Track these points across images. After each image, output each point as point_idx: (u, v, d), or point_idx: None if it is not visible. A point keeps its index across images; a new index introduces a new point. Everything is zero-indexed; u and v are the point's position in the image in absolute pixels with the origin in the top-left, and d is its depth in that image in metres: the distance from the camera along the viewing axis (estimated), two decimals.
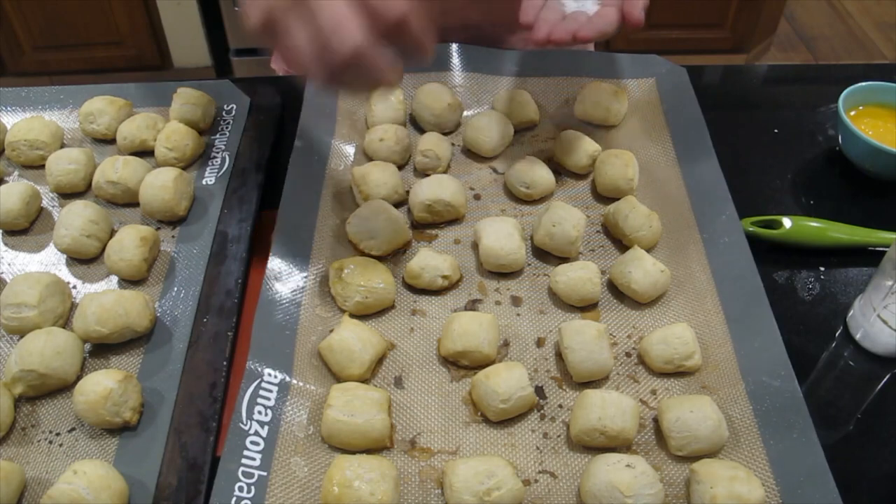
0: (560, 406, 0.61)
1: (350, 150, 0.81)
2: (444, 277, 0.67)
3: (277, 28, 0.53)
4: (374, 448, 0.57)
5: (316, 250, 0.70)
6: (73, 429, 0.59)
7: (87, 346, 0.64)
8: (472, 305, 0.68)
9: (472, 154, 0.81)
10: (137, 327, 0.62)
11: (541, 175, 0.75)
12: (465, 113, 0.85)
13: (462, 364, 0.63)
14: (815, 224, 0.73)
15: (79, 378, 0.60)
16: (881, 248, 0.72)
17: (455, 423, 0.60)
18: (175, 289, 0.68)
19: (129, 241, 0.67)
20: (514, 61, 0.88)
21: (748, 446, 0.57)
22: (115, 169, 0.73)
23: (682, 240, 0.72)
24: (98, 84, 0.86)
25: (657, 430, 0.59)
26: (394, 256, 0.71)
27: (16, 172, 0.79)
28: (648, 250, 0.70)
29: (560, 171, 0.80)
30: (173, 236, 0.73)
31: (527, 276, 0.70)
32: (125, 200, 0.75)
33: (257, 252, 0.71)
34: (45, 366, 0.58)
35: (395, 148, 0.78)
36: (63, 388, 0.61)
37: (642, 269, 0.66)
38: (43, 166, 0.77)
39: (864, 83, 0.81)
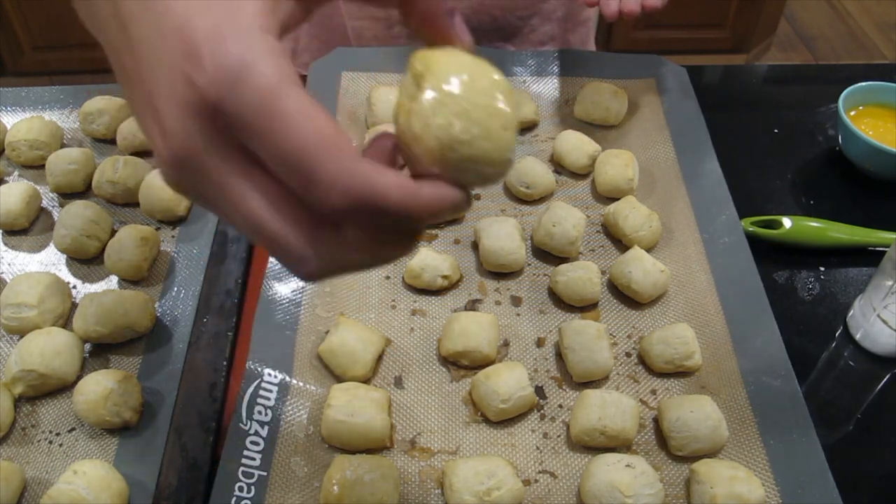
0: (560, 406, 0.61)
1: None
2: (444, 277, 0.67)
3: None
4: (374, 448, 0.57)
5: None
6: (73, 429, 0.59)
7: (87, 346, 0.64)
8: (472, 305, 0.68)
9: None
10: (137, 327, 0.62)
11: (541, 175, 0.75)
12: None
13: (462, 364, 0.63)
14: (815, 224, 0.73)
15: (79, 378, 0.60)
16: (881, 248, 0.72)
17: (455, 423, 0.60)
18: (175, 289, 0.68)
19: (129, 241, 0.67)
20: (515, 61, 0.88)
21: (748, 446, 0.57)
22: (115, 169, 0.73)
23: (682, 240, 0.72)
24: (98, 84, 0.86)
25: (657, 430, 0.59)
26: None
27: (16, 172, 0.79)
28: (648, 250, 0.70)
29: (560, 171, 0.80)
30: (173, 236, 0.73)
31: (527, 276, 0.70)
32: (125, 200, 0.75)
33: (257, 252, 0.71)
34: (45, 366, 0.58)
35: None
36: (63, 388, 0.61)
37: (642, 269, 0.66)
38: (43, 166, 0.77)
39: (864, 83, 0.81)
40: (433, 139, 0.29)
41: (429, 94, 0.30)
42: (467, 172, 0.30)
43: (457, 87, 0.30)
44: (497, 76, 0.31)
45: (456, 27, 0.34)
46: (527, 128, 0.84)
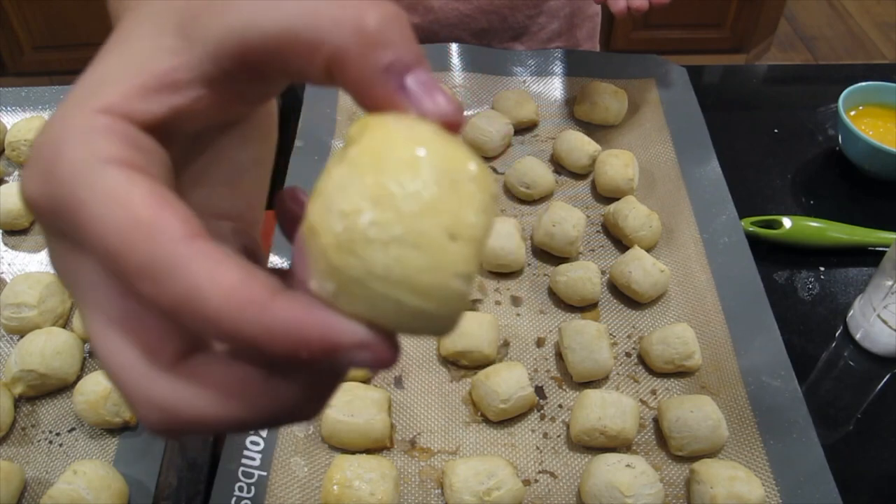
0: (560, 406, 0.61)
1: None
2: None
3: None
4: (374, 448, 0.57)
5: None
6: (73, 429, 0.59)
7: (87, 346, 0.64)
8: (471, 305, 0.68)
9: None
10: None
11: (541, 175, 0.75)
12: (465, 113, 0.85)
13: (462, 364, 0.63)
14: (815, 224, 0.73)
15: (79, 378, 0.60)
16: (881, 248, 0.72)
17: (455, 423, 0.60)
18: None
19: None
20: (515, 61, 0.89)
21: (748, 446, 0.57)
22: None
23: (682, 240, 0.72)
24: None
25: (657, 430, 0.59)
26: None
27: (16, 172, 0.79)
28: (648, 250, 0.70)
29: (560, 171, 0.80)
30: None
31: (527, 276, 0.70)
32: None
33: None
34: (45, 366, 0.58)
35: None
36: (63, 388, 0.61)
37: (642, 269, 0.66)
38: None
39: (864, 83, 0.81)
40: (329, 233, 0.18)
41: (343, 166, 0.19)
42: (375, 299, 0.18)
43: (390, 159, 0.19)
44: (468, 159, 0.20)
45: (409, 90, 0.21)
46: (527, 128, 0.84)
